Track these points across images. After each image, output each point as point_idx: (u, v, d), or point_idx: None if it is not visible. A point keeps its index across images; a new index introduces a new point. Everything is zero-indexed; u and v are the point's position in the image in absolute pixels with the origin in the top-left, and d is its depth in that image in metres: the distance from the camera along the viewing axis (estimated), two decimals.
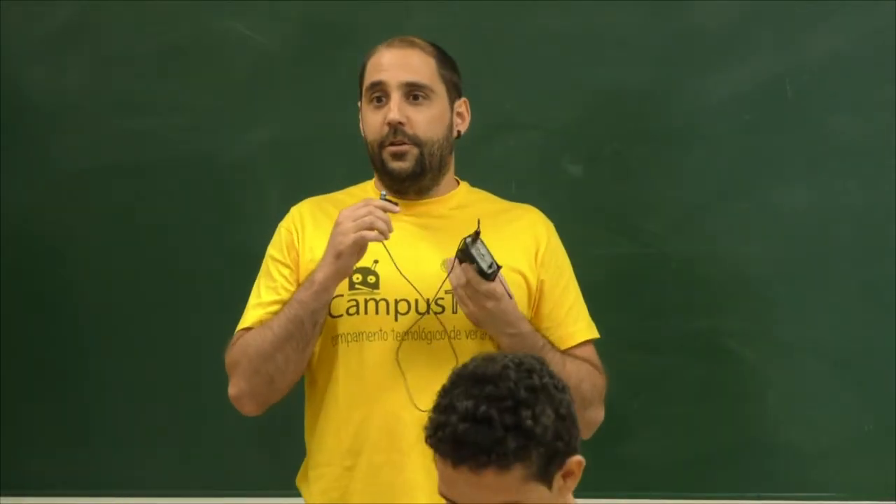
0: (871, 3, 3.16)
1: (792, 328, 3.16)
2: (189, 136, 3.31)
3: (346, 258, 2.45)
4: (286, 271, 2.59)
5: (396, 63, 2.60)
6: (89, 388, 3.32)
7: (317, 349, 2.55)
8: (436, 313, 2.53)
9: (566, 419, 1.88)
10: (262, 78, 3.29)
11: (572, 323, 2.63)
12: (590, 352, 2.64)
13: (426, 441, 1.86)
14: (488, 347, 2.55)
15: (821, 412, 3.14)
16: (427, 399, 2.46)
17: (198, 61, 3.32)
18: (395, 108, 2.56)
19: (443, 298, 2.52)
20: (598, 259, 3.18)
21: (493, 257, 2.42)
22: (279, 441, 3.05)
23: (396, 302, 2.53)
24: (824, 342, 3.15)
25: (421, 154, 2.58)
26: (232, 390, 2.56)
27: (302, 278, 2.56)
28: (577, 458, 1.90)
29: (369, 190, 2.67)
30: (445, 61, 2.65)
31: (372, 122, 2.60)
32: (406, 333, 2.51)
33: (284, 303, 2.53)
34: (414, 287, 2.52)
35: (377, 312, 2.53)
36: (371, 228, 2.44)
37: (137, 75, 3.32)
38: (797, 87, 3.17)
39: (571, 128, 3.23)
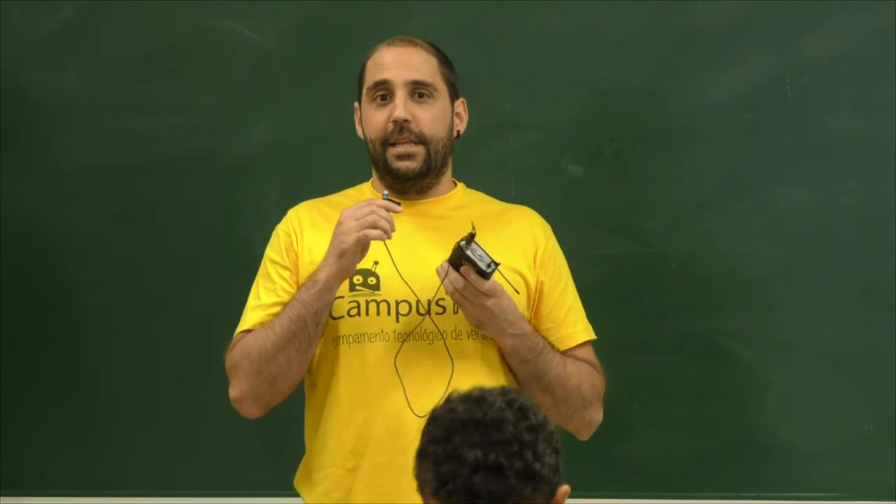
0: (871, 3, 3.16)
1: (792, 328, 3.16)
2: (189, 136, 3.31)
3: (349, 257, 2.45)
4: (286, 273, 2.59)
5: (400, 62, 2.61)
6: (89, 387, 3.32)
7: (317, 351, 2.55)
8: (437, 314, 2.53)
9: (558, 452, 1.86)
10: (262, 78, 3.29)
11: (571, 324, 2.63)
12: (589, 352, 2.64)
13: (431, 497, 1.80)
14: (489, 348, 2.55)
15: (821, 412, 3.14)
16: (427, 401, 2.48)
17: (198, 61, 3.32)
18: (401, 106, 2.57)
19: (444, 299, 2.52)
20: (598, 259, 3.18)
21: (490, 256, 2.42)
22: (279, 441, 3.05)
23: (397, 303, 2.53)
24: (824, 342, 3.15)
25: (427, 153, 2.58)
26: (233, 392, 2.55)
27: (301, 280, 2.55)
28: (565, 487, 1.89)
29: (366, 192, 2.67)
30: (445, 61, 2.65)
31: (375, 119, 2.60)
32: (408, 335, 2.51)
33: (285, 305, 2.52)
34: (411, 289, 2.52)
35: (378, 314, 2.53)
36: (374, 227, 2.44)
37: (137, 75, 3.32)
38: (797, 87, 3.17)
39: (571, 128, 3.23)
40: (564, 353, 2.59)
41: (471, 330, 2.53)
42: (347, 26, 3.25)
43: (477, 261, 2.41)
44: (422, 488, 1.81)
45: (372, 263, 2.53)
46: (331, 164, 3.17)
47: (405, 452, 2.47)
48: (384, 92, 2.59)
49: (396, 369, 2.50)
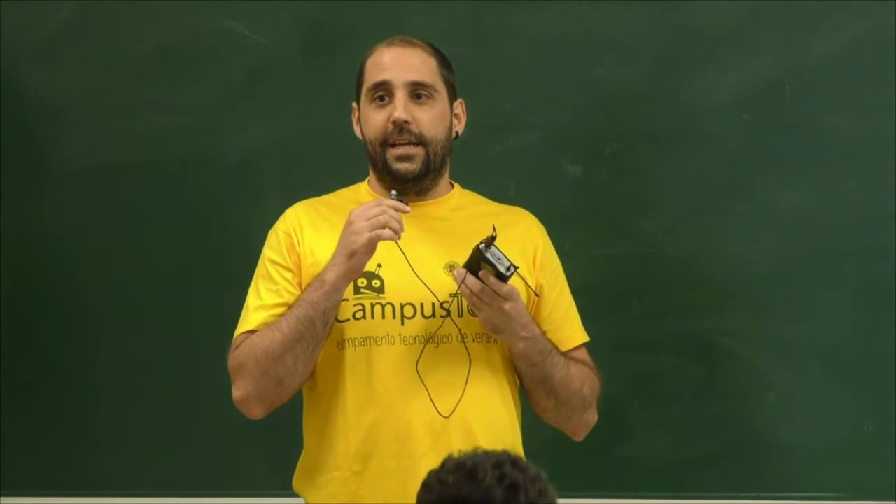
0: (871, 3, 3.16)
1: (792, 328, 3.16)
2: (189, 135, 3.31)
3: (359, 257, 2.44)
4: (288, 275, 2.58)
5: (399, 62, 2.60)
6: (89, 388, 3.32)
7: (320, 353, 2.55)
8: (442, 317, 2.53)
9: None
10: (262, 78, 3.29)
11: (569, 326, 2.64)
12: (585, 354, 2.65)
13: None
14: (495, 350, 2.55)
15: (821, 412, 3.14)
16: (444, 403, 2.48)
17: (198, 61, 3.32)
18: (401, 107, 2.56)
19: (448, 302, 2.52)
20: (598, 259, 3.18)
21: (509, 259, 2.42)
22: (279, 441, 3.04)
23: (402, 306, 2.53)
24: (824, 342, 3.15)
25: (427, 154, 2.58)
26: (237, 393, 2.54)
27: (304, 281, 2.55)
28: None
29: (362, 191, 2.67)
30: (444, 62, 2.65)
31: (375, 120, 2.59)
32: (413, 338, 2.51)
33: (288, 305, 2.52)
34: (429, 289, 2.51)
35: (384, 317, 2.53)
36: (384, 227, 2.43)
37: (137, 75, 3.32)
38: (797, 87, 3.17)
39: (571, 128, 3.23)
40: (564, 354, 2.59)
41: (475, 333, 2.53)
42: (347, 26, 3.25)
43: (497, 264, 2.41)
44: None
45: (376, 266, 2.53)
46: (331, 164, 3.16)
47: (413, 457, 2.48)
48: (383, 93, 2.59)
49: (418, 373, 2.50)
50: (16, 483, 3.31)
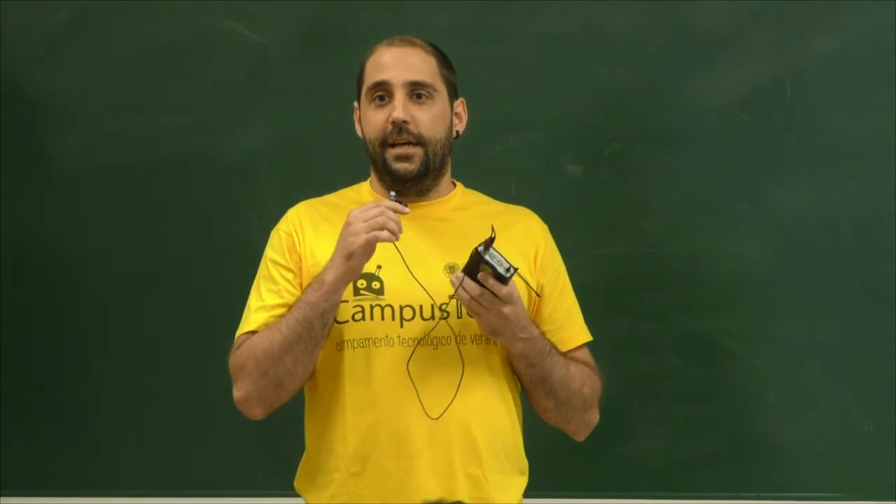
0: (871, 3, 3.16)
1: (792, 328, 3.16)
2: (189, 135, 3.31)
3: (357, 258, 2.44)
4: (289, 275, 2.58)
5: (399, 62, 2.60)
6: (89, 388, 3.32)
7: (320, 355, 2.54)
8: (441, 319, 2.52)
9: None
10: (261, 78, 3.29)
11: (570, 326, 2.63)
12: (587, 354, 2.64)
13: None
14: (493, 353, 2.54)
15: (821, 412, 3.14)
16: (436, 405, 2.48)
17: (198, 61, 3.32)
18: (400, 107, 2.56)
19: (447, 304, 2.52)
20: (598, 259, 3.18)
21: (508, 261, 2.41)
22: (279, 441, 3.04)
23: (401, 308, 2.53)
24: (824, 342, 3.15)
25: (426, 154, 2.57)
26: (237, 394, 2.54)
27: (304, 282, 2.55)
28: None
29: (363, 192, 2.67)
30: (445, 61, 2.64)
31: (374, 120, 2.59)
32: (412, 340, 2.51)
33: (289, 306, 2.52)
34: (427, 292, 2.51)
35: (383, 319, 2.52)
36: (382, 229, 2.43)
37: (137, 75, 3.32)
38: (797, 88, 3.17)
39: (571, 128, 3.23)
40: (565, 355, 2.59)
41: (474, 335, 2.53)
42: (347, 26, 3.25)
43: (496, 266, 2.40)
44: None
45: (375, 268, 2.53)
46: (331, 164, 3.16)
47: (411, 458, 2.48)
48: (383, 92, 2.59)
49: (409, 374, 2.50)
50: (16, 483, 3.31)
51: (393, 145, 2.57)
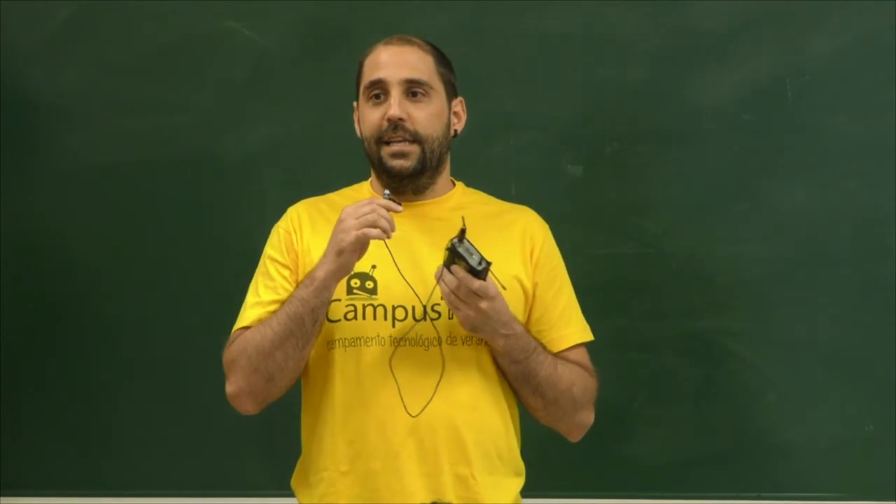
0: (871, 3, 3.16)
1: (792, 328, 3.16)
2: (189, 135, 3.32)
3: (347, 255, 2.44)
4: (286, 272, 2.58)
5: (395, 60, 2.60)
6: (89, 388, 3.32)
7: (312, 353, 2.54)
8: (432, 320, 2.52)
9: None
10: (262, 78, 3.30)
11: (564, 326, 2.62)
12: (581, 355, 2.63)
13: None
14: (483, 354, 2.54)
15: (821, 412, 3.15)
16: (417, 403, 2.48)
17: (198, 61, 3.32)
18: (396, 105, 2.56)
19: (439, 304, 2.51)
20: (598, 259, 3.18)
21: (481, 254, 2.40)
22: (279, 441, 3.04)
23: (394, 308, 2.52)
24: (824, 342, 3.15)
25: (422, 151, 2.57)
26: (230, 388, 2.55)
27: (301, 279, 2.55)
28: None
29: (364, 191, 2.67)
30: (442, 60, 2.64)
31: (371, 118, 2.59)
32: (401, 340, 2.51)
33: (284, 302, 2.52)
34: (414, 292, 2.51)
35: (375, 318, 2.52)
36: (374, 226, 2.43)
37: (137, 75, 3.33)
38: (797, 88, 3.17)
39: (571, 128, 3.23)
40: (557, 354, 2.58)
41: (465, 336, 2.52)
42: (347, 26, 3.25)
43: (467, 258, 2.39)
44: None
45: (370, 267, 2.53)
46: (331, 163, 3.17)
47: (398, 456, 2.48)
48: (379, 91, 2.59)
49: (392, 372, 2.50)
50: (16, 483, 3.31)
51: (388, 143, 2.57)
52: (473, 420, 2.51)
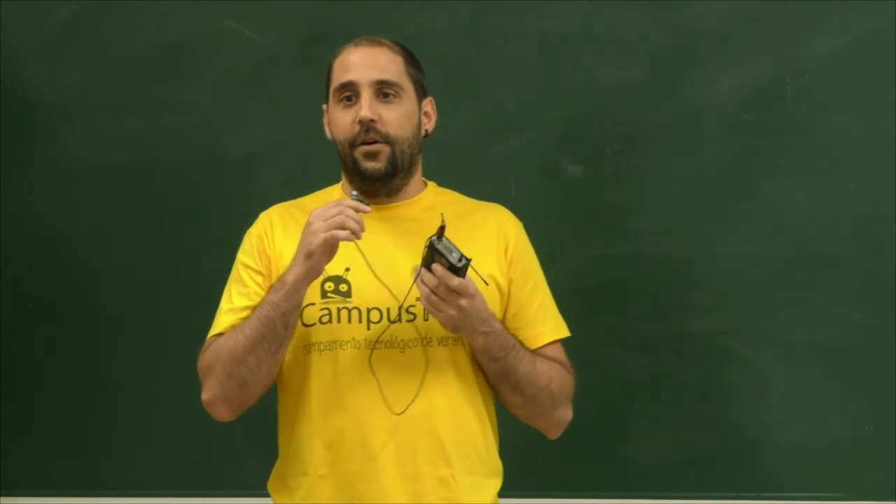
0: (871, 3, 3.16)
1: (792, 328, 3.16)
2: (189, 135, 3.32)
3: (316, 258, 2.43)
4: (259, 278, 2.57)
5: (365, 62, 2.59)
6: (89, 388, 3.32)
7: (288, 358, 2.53)
8: (408, 321, 2.51)
9: None
10: (262, 78, 3.30)
11: (540, 323, 2.61)
12: (558, 351, 2.62)
13: None
14: (460, 354, 2.53)
15: (821, 412, 3.15)
16: (399, 403, 2.47)
17: (198, 61, 3.32)
18: (367, 106, 2.55)
19: (414, 306, 2.50)
20: (598, 259, 3.18)
21: (461, 251, 2.39)
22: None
23: (368, 311, 2.51)
24: (824, 342, 3.15)
25: (393, 153, 2.56)
26: (205, 395, 2.55)
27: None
28: None
29: (336, 193, 2.65)
30: (412, 60, 2.63)
31: (342, 121, 2.59)
32: (377, 342, 2.50)
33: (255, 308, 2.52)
34: (390, 293, 2.50)
35: (350, 321, 2.51)
36: (342, 228, 2.42)
37: (137, 75, 3.33)
38: (797, 88, 3.17)
39: (571, 128, 3.23)
40: (534, 351, 2.58)
41: (441, 337, 2.52)
42: (347, 26, 3.25)
43: (447, 255, 2.37)
44: None
45: (343, 270, 2.52)
46: (331, 163, 3.15)
47: (375, 459, 2.47)
48: (350, 93, 2.58)
49: (374, 373, 2.49)
50: (16, 483, 3.31)
51: (361, 144, 2.57)
52: (453, 421, 2.50)
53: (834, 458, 3.13)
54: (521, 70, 3.23)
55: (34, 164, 3.36)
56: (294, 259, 2.46)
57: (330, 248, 2.43)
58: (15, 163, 3.35)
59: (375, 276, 2.51)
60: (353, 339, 2.50)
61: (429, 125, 2.65)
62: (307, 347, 2.53)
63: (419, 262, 2.45)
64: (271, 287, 2.50)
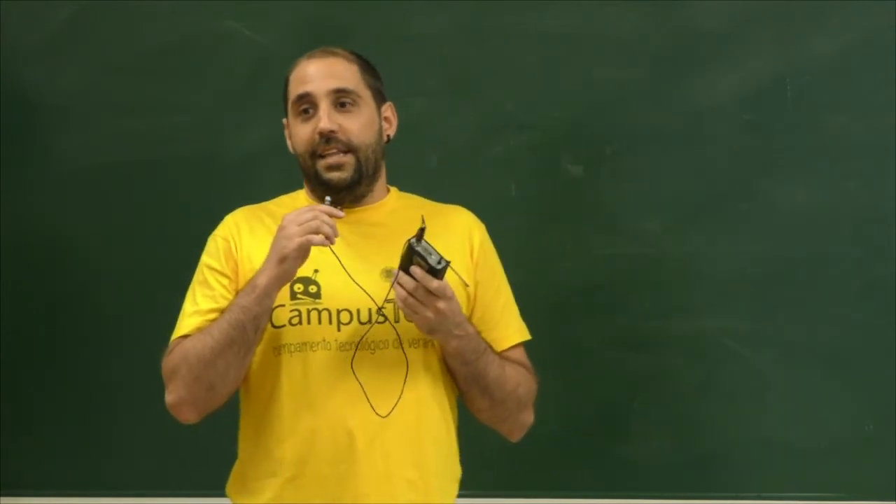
0: (871, 3, 3.16)
1: (792, 328, 3.16)
2: (189, 135, 3.32)
3: (290, 262, 2.43)
4: (224, 280, 2.56)
5: (321, 72, 2.58)
6: (89, 388, 3.32)
7: (256, 359, 2.53)
8: (378, 323, 2.51)
9: None
10: (262, 78, 3.30)
11: (505, 326, 2.60)
12: (521, 354, 2.62)
13: None
14: (431, 355, 2.53)
15: (821, 412, 3.14)
16: (382, 405, 2.46)
17: (198, 61, 3.32)
18: (325, 117, 2.55)
19: (385, 308, 2.50)
20: (597, 259, 3.18)
21: (440, 254, 2.38)
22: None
23: (338, 312, 2.51)
24: (824, 342, 3.15)
25: (357, 161, 2.56)
26: (169, 398, 2.53)
27: (241, 286, 2.52)
28: None
29: (300, 199, 2.65)
30: (367, 68, 2.63)
31: (302, 133, 2.58)
32: (347, 344, 2.49)
33: (223, 311, 2.51)
34: (367, 293, 2.49)
35: (320, 322, 2.51)
36: (316, 233, 2.42)
37: (137, 75, 3.33)
38: (797, 88, 3.17)
39: (571, 128, 3.23)
40: (499, 354, 2.57)
41: (412, 338, 2.51)
42: (347, 26, 3.25)
43: (427, 258, 2.37)
44: None
45: (312, 272, 2.51)
46: None
47: (348, 462, 2.46)
48: (307, 105, 2.58)
49: (355, 374, 2.48)
50: (16, 483, 3.31)
51: (323, 156, 2.56)
52: (425, 423, 2.50)
53: (834, 458, 3.13)
54: (521, 70, 3.23)
55: (34, 164, 3.36)
56: (266, 262, 2.45)
57: (304, 253, 2.43)
58: (15, 163, 3.35)
59: (344, 277, 2.50)
60: (324, 340, 2.50)
61: (390, 130, 2.65)
62: (277, 349, 2.52)
63: (387, 264, 2.46)
64: (240, 290, 2.49)
